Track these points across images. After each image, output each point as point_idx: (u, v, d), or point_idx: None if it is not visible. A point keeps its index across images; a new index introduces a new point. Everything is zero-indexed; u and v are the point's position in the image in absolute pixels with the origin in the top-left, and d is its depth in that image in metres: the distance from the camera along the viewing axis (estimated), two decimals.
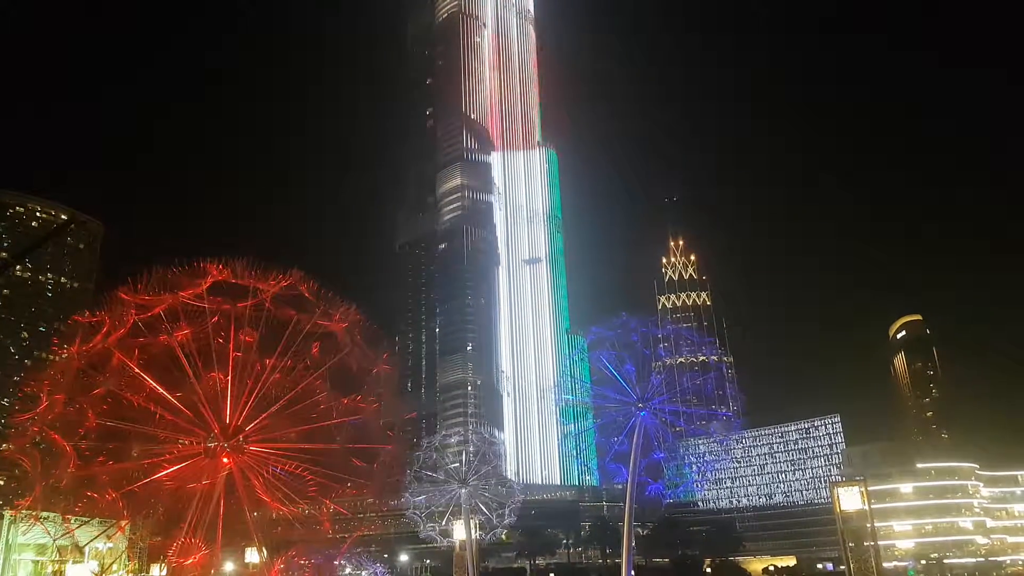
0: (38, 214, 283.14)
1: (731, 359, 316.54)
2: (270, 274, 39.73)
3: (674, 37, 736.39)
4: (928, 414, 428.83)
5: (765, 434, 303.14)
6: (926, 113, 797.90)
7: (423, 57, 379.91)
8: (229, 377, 38.94)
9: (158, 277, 39.15)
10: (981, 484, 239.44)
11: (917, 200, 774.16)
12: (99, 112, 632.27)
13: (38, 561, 74.73)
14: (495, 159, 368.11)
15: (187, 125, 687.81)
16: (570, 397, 56.73)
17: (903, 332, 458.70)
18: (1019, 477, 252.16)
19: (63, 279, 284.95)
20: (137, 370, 37.13)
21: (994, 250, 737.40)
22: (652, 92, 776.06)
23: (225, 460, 36.07)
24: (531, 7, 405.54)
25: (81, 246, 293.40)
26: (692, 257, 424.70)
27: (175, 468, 38.20)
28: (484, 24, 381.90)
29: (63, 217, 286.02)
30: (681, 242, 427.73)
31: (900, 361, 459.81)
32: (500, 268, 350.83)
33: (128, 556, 68.98)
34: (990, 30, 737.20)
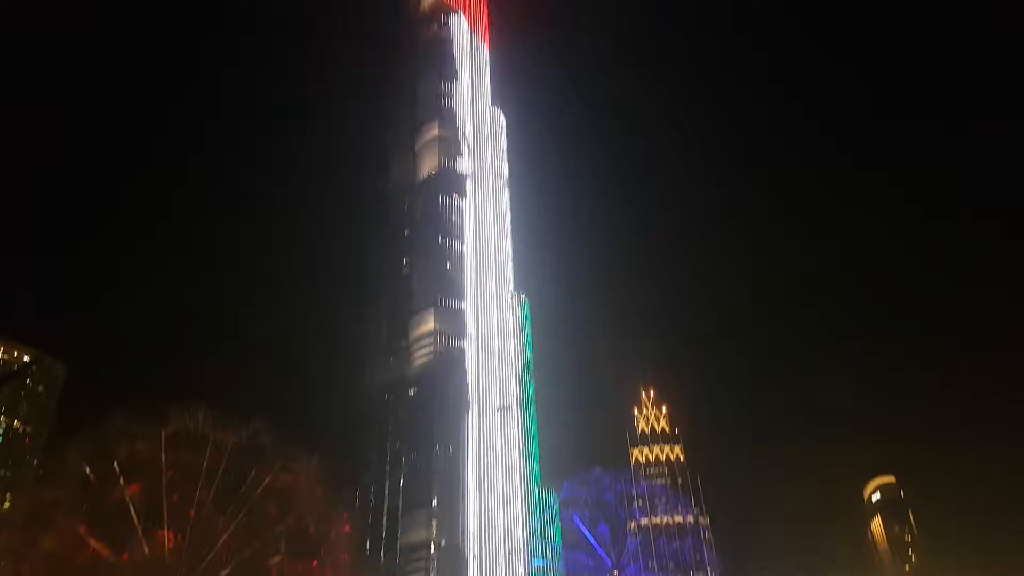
0: None
1: (707, 520, 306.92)
2: (231, 423, 38.20)
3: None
4: None
5: None
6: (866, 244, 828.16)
7: (401, 209, 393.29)
8: (179, 537, 36.44)
9: (116, 425, 37.38)
10: None
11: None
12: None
13: None
14: (469, 305, 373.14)
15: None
16: (540, 562, 53.70)
17: (878, 494, 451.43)
18: None
19: (16, 423, 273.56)
20: (83, 530, 34.71)
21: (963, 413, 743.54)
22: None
23: None
24: (505, 170, 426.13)
25: (40, 388, 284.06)
26: (663, 409, 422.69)
27: None
28: (466, 176, 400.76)
29: (25, 359, 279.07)
30: (652, 393, 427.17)
31: (877, 524, 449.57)
32: (470, 414, 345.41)
33: None
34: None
